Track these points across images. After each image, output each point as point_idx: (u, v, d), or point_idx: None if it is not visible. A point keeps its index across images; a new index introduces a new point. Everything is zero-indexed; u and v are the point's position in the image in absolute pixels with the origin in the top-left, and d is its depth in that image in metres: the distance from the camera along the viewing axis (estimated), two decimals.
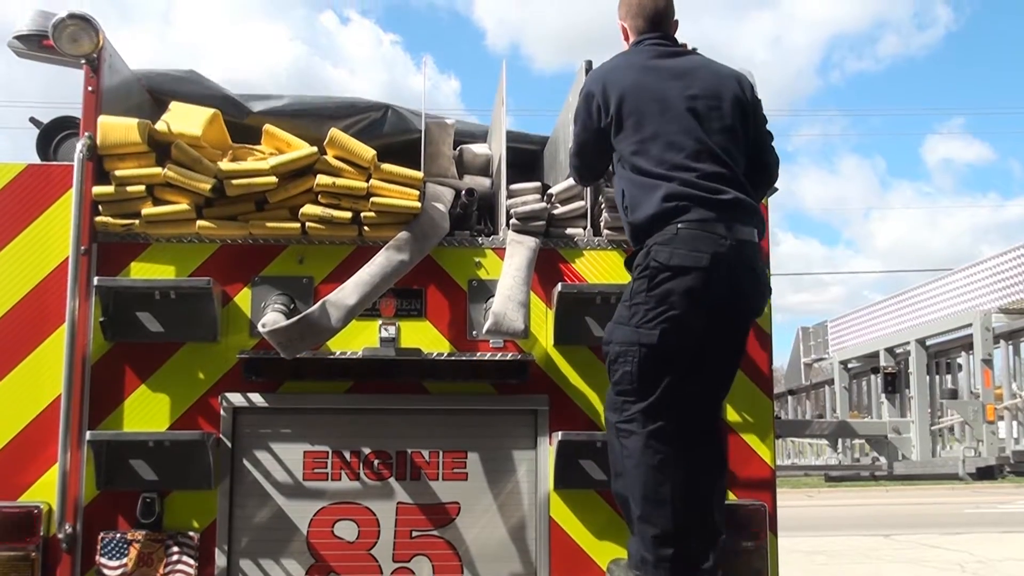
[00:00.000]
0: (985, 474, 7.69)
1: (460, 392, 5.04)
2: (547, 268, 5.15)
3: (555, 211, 5.28)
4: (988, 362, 7.70)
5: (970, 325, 7.87)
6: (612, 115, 4.70)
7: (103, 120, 4.95)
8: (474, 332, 5.10)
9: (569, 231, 5.30)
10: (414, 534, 4.98)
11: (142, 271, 5.01)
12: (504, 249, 5.12)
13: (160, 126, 5.04)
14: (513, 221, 5.18)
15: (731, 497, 5.06)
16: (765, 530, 5.01)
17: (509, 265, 5.01)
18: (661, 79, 4.72)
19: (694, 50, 4.95)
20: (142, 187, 4.95)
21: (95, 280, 4.87)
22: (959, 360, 8.59)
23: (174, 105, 5.28)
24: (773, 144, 4.96)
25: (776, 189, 5.45)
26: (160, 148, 5.01)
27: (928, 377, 8.57)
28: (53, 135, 5.64)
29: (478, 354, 5.04)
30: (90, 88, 5.00)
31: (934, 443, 8.48)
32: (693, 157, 4.54)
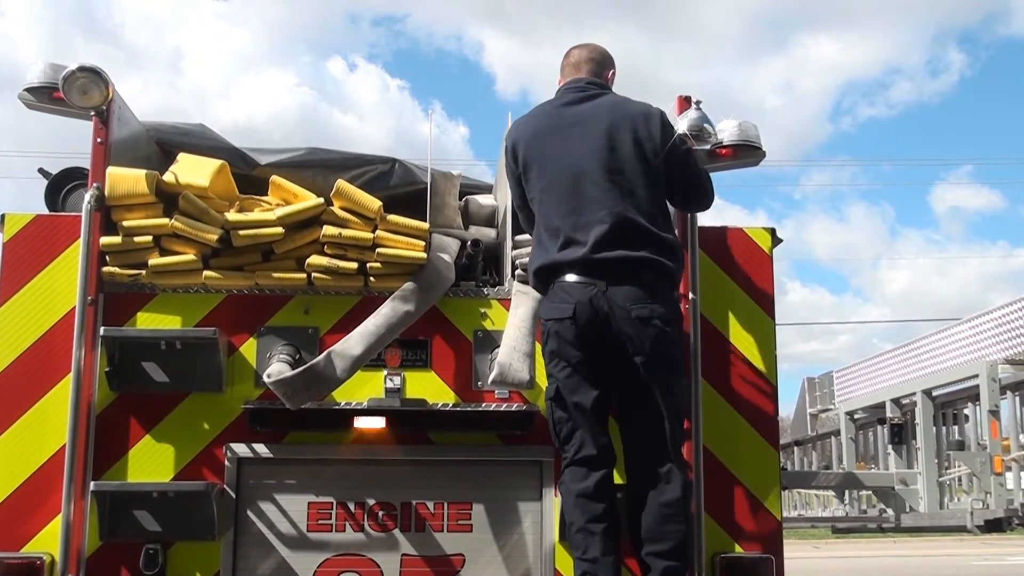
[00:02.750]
0: (993, 526, 7.64)
1: (465, 443, 5.02)
2: None
3: None
4: (995, 413, 7.68)
5: (976, 376, 7.85)
6: (520, 163, 4.91)
7: (111, 171, 4.98)
8: (479, 383, 5.10)
9: None
10: None
11: (148, 321, 5.02)
12: (509, 300, 5.13)
13: (168, 177, 5.07)
14: (518, 272, 5.20)
15: (738, 550, 5.04)
16: None
17: (514, 315, 5.02)
18: (559, 127, 4.83)
19: (606, 92, 4.96)
20: (149, 237, 4.97)
21: (101, 330, 4.88)
22: (966, 411, 8.57)
23: (182, 156, 5.32)
24: (701, 169, 5.03)
25: (780, 240, 5.47)
26: (168, 199, 5.04)
27: (935, 428, 8.55)
28: (61, 186, 5.68)
29: (483, 405, 5.03)
30: (99, 140, 5.04)
31: (942, 495, 8.44)
32: (577, 211, 4.65)
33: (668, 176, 4.79)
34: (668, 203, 4.93)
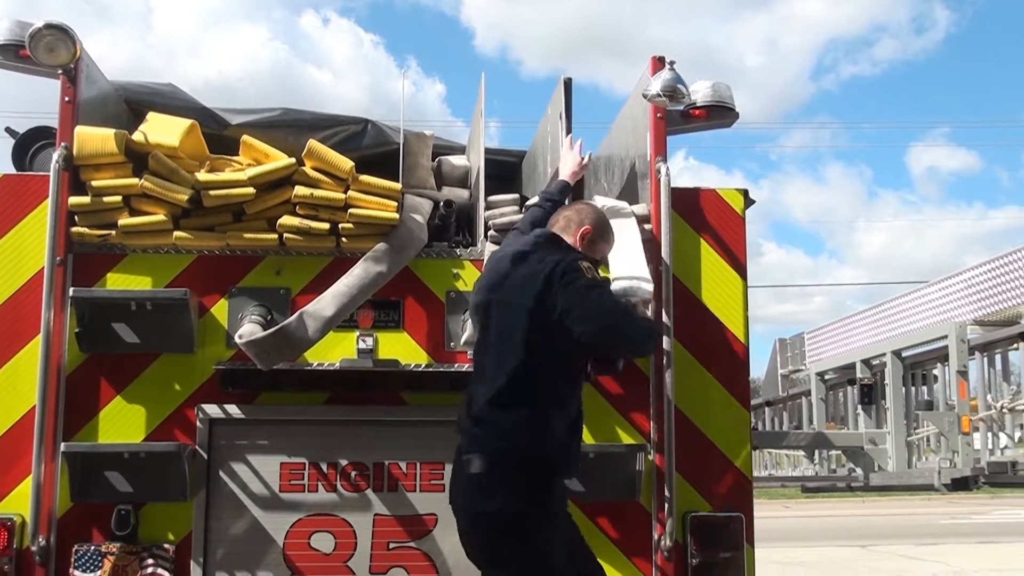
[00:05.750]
0: (960, 485, 7.74)
1: (437, 403, 5.03)
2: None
3: None
4: (963, 374, 7.75)
5: (946, 337, 7.92)
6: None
7: (80, 130, 4.93)
8: (452, 343, 5.11)
9: None
10: (391, 546, 4.97)
11: (118, 282, 4.99)
12: (482, 261, 5.12)
13: (137, 137, 5.02)
14: (491, 232, 5.19)
15: (708, 508, 5.09)
16: (742, 541, 5.02)
17: None
18: (485, 281, 4.59)
19: (537, 243, 4.53)
20: (119, 198, 4.94)
21: (71, 291, 4.85)
22: (935, 372, 8.64)
23: (151, 116, 5.27)
24: (608, 311, 4.32)
25: (753, 201, 5.49)
26: (137, 159, 4.99)
27: (904, 389, 8.62)
28: (29, 145, 5.63)
29: (456, 365, 5.04)
30: (67, 98, 4.99)
31: (910, 454, 8.52)
32: (475, 370, 4.53)
33: (557, 333, 4.24)
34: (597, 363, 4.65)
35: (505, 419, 4.23)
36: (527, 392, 4.25)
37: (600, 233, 4.68)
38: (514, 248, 4.55)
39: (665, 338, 5.02)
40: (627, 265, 4.89)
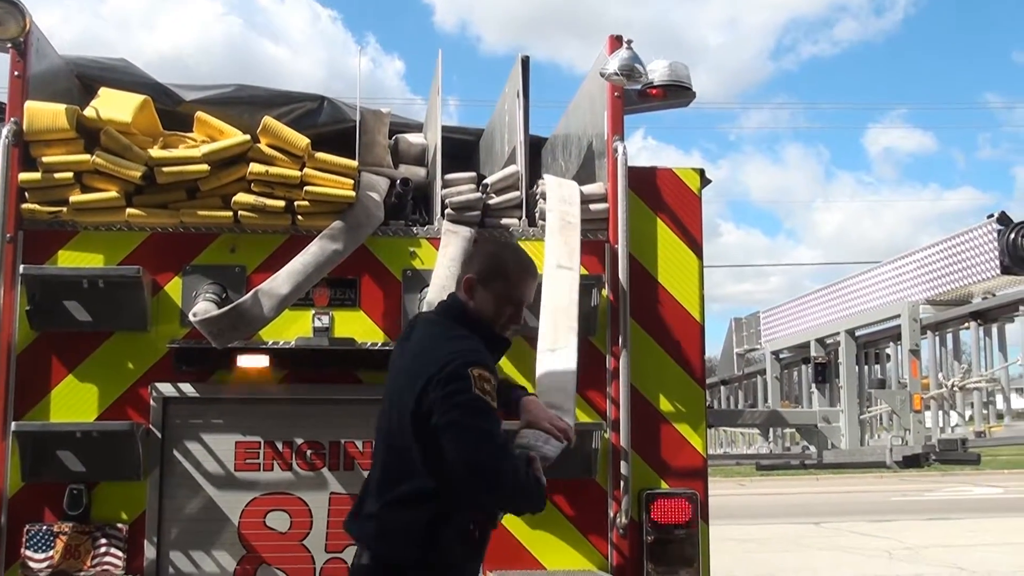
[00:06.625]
0: (911, 462, 7.82)
1: None
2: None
3: (490, 201, 5.29)
4: (916, 352, 7.82)
5: (898, 316, 7.99)
6: None
7: (30, 105, 4.86)
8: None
9: (504, 221, 5.31)
10: None
11: (70, 259, 4.93)
12: (439, 239, 5.12)
13: (89, 112, 4.96)
14: (448, 211, 5.18)
15: (663, 486, 5.13)
16: (697, 518, 5.07)
17: (444, 255, 5.01)
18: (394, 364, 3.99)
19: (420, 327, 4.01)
20: (70, 174, 4.88)
21: (21, 268, 4.80)
22: (888, 351, 8.72)
23: (103, 91, 5.20)
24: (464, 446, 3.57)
25: (709, 180, 5.53)
26: (89, 135, 4.93)
27: (857, 367, 8.69)
28: None
29: None
30: (16, 73, 4.92)
31: (863, 432, 8.60)
32: (374, 447, 4.06)
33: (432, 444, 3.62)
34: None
35: (390, 519, 3.73)
36: (412, 492, 3.69)
37: (490, 274, 3.88)
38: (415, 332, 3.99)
39: (621, 317, 5.04)
40: (551, 394, 4.36)
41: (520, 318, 3.96)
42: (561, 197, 5.18)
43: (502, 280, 3.87)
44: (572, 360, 4.58)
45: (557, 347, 4.60)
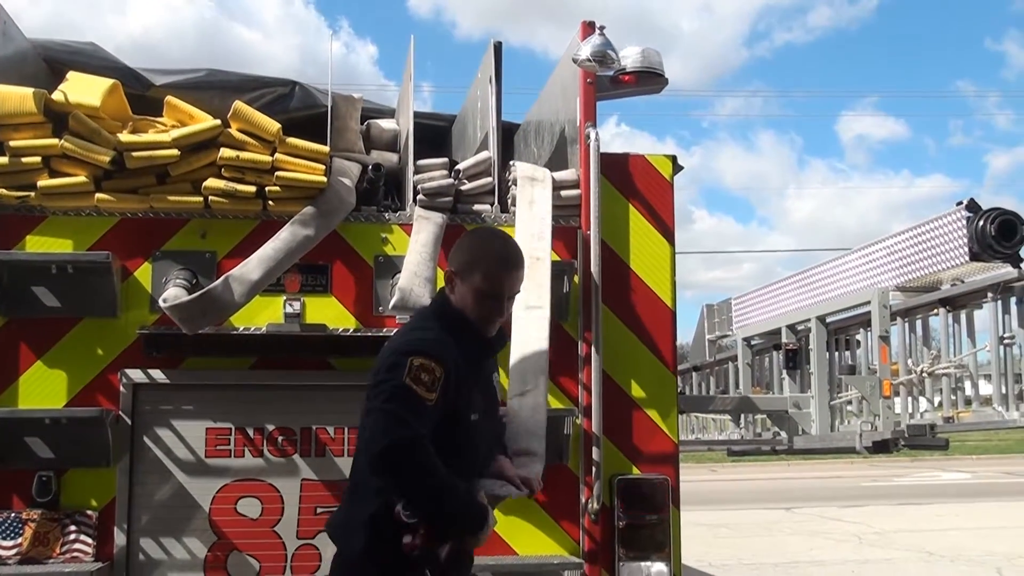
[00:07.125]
0: (881, 448, 7.88)
1: (365, 368, 4.97)
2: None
3: (462, 187, 5.28)
4: (885, 339, 7.87)
5: (868, 303, 8.04)
6: None
7: None
8: (380, 308, 5.09)
9: (476, 207, 5.31)
10: (319, 511, 4.95)
11: (38, 244, 4.89)
12: (411, 225, 5.11)
13: (57, 96, 4.91)
14: (420, 197, 5.17)
15: (635, 472, 5.15)
16: (668, 504, 5.09)
17: (416, 241, 5.00)
18: None
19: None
20: (38, 158, 4.83)
21: None
22: (858, 337, 8.77)
23: (72, 75, 5.15)
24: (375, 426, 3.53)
25: (681, 167, 5.53)
26: (57, 119, 4.89)
27: (828, 353, 8.74)
28: None
29: (384, 330, 5.01)
30: None
31: (833, 418, 8.66)
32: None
33: None
34: None
35: (344, 511, 3.87)
36: (361, 485, 3.75)
37: (468, 267, 3.85)
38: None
39: (592, 304, 5.05)
40: (520, 439, 4.31)
41: (503, 311, 3.92)
42: (531, 233, 5.03)
43: (480, 273, 3.82)
44: (542, 403, 4.59)
45: (526, 390, 4.56)
